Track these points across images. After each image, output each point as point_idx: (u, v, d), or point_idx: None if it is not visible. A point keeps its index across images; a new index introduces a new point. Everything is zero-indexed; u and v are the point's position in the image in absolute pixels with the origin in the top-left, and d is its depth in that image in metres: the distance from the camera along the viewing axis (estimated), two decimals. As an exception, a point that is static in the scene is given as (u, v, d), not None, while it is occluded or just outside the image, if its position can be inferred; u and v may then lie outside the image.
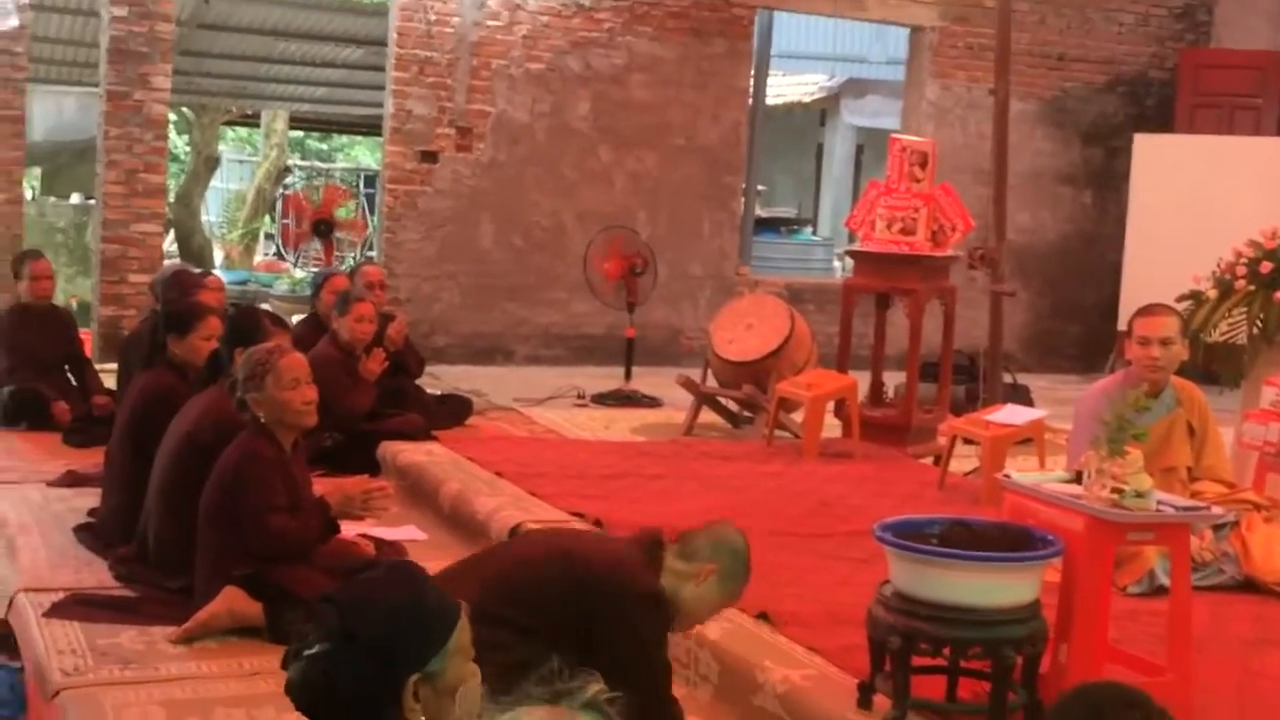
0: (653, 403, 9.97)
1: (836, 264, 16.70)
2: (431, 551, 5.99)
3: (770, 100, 14.91)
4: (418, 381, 8.69)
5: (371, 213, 14.46)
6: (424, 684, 2.18)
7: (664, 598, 3.76)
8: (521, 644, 3.48)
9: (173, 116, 14.63)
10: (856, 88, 19.39)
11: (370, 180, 19.30)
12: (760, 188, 15.54)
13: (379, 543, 5.66)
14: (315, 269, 12.99)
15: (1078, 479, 4.11)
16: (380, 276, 8.98)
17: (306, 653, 2.20)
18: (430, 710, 2.17)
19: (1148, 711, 2.12)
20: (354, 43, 13.82)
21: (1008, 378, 9.95)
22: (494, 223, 11.75)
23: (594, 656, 3.44)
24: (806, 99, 20.13)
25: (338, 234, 11.09)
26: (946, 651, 3.84)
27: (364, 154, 25.34)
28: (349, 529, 5.69)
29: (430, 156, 11.50)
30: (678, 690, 4.61)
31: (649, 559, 3.80)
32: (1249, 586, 5.52)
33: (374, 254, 12.66)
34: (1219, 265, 7.06)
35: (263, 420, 4.91)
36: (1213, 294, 6.98)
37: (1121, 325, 10.99)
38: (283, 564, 4.84)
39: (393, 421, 7.80)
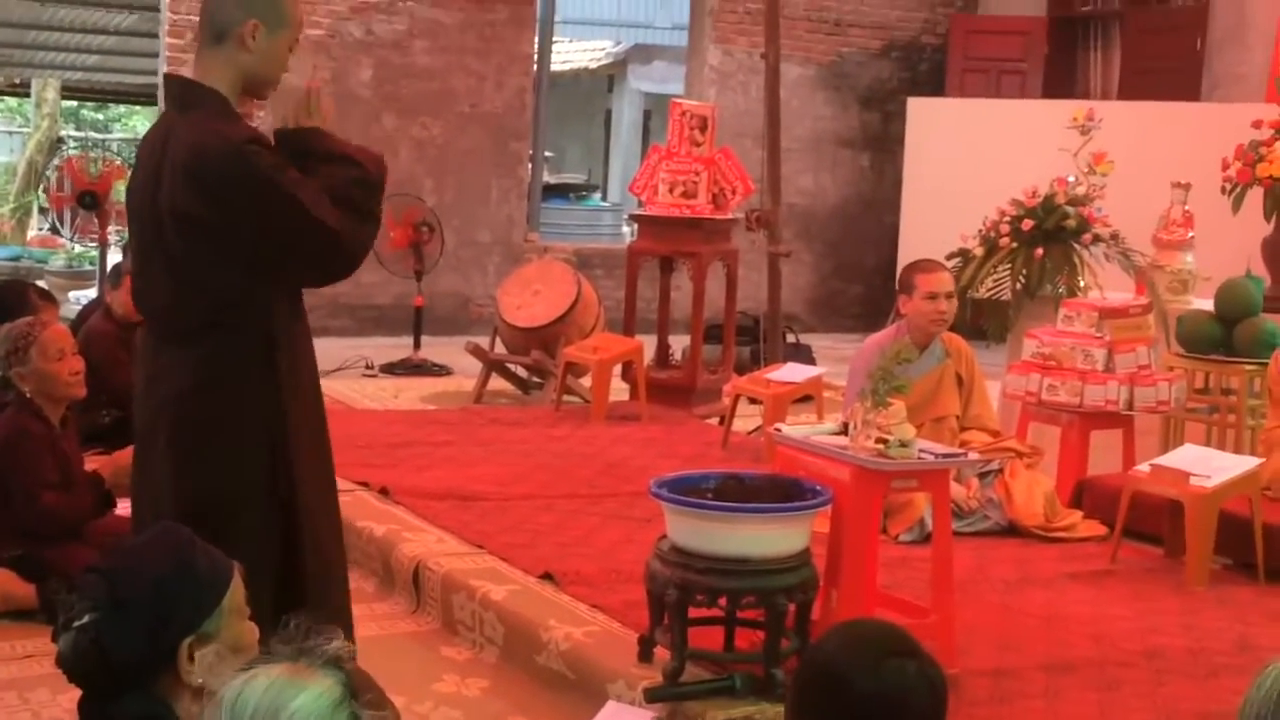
0: (442, 371, 9.94)
1: (625, 229, 16.81)
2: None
3: (556, 66, 14.94)
4: (200, 355, 8.50)
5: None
6: (199, 645, 2.18)
7: (256, 137, 3.26)
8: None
9: (-66, 86, 13.99)
10: (643, 54, 19.52)
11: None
12: (548, 154, 15.55)
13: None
14: (93, 243, 12.56)
15: (845, 431, 4.25)
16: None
17: (76, 624, 2.18)
18: (208, 671, 2.18)
19: (920, 659, 2.17)
20: (126, 8, 13.41)
21: (790, 337, 10.18)
22: (277, 192, 11.52)
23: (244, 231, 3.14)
24: (593, 65, 20.19)
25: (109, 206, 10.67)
26: (722, 602, 3.95)
27: (142, 124, 24.59)
28: (125, 505, 5.57)
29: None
30: (463, 653, 4.68)
31: (210, 115, 3.27)
32: (1012, 531, 5.79)
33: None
34: (985, 224, 7.31)
35: (29, 395, 4.79)
36: (979, 251, 7.22)
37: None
38: (55, 542, 4.73)
39: (173, 396, 7.62)
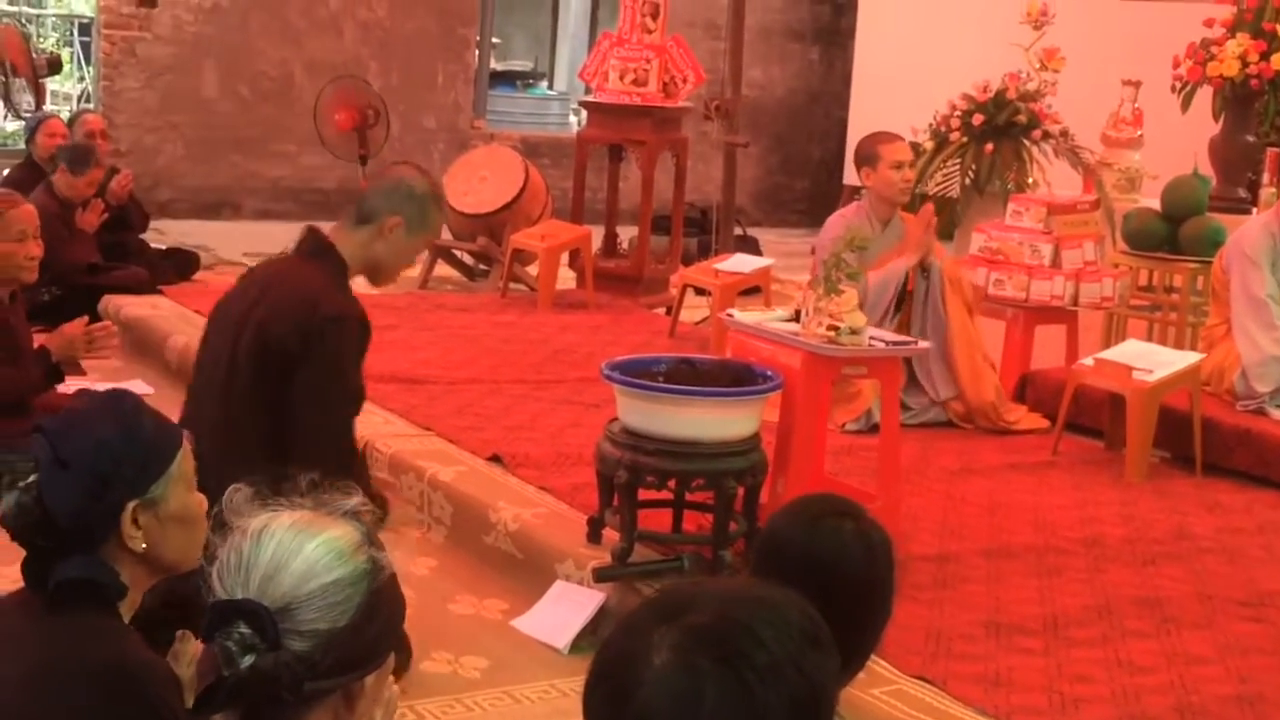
0: (387, 256, 9.83)
1: (573, 118, 16.65)
2: (159, 406, 5.84)
3: (504, -50, 14.66)
4: (142, 236, 8.42)
5: (87, 62, 13.77)
6: (144, 510, 2.17)
7: (353, 314, 3.49)
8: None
9: None
10: (592, -59, 19.19)
11: (85, 28, 18.30)
12: (495, 40, 15.33)
13: (102, 397, 5.49)
14: (27, 118, 12.32)
15: (796, 318, 4.26)
16: (101, 125, 8.63)
17: (20, 484, 2.17)
18: (152, 537, 2.17)
19: (858, 520, 2.20)
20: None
21: (738, 230, 10.16)
22: (218, 71, 11.34)
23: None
24: (542, -49, 19.82)
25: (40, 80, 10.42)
26: (672, 484, 3.98)
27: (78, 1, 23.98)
28: (71, 385, 5.52)
29: (148, 1, 11.00)
30: (411, 533, 4.69)
31: (330, 274, 3.53)
32: (955, 424, 5.84)
33: (91, 105, 12.09)
34: (935, 118, 7.30)
35: (-22, 269, 4.70)
36: (929, 145, 7.23)
37: (848, 180, 11.31)
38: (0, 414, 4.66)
39: (115, 275, 7.55)
